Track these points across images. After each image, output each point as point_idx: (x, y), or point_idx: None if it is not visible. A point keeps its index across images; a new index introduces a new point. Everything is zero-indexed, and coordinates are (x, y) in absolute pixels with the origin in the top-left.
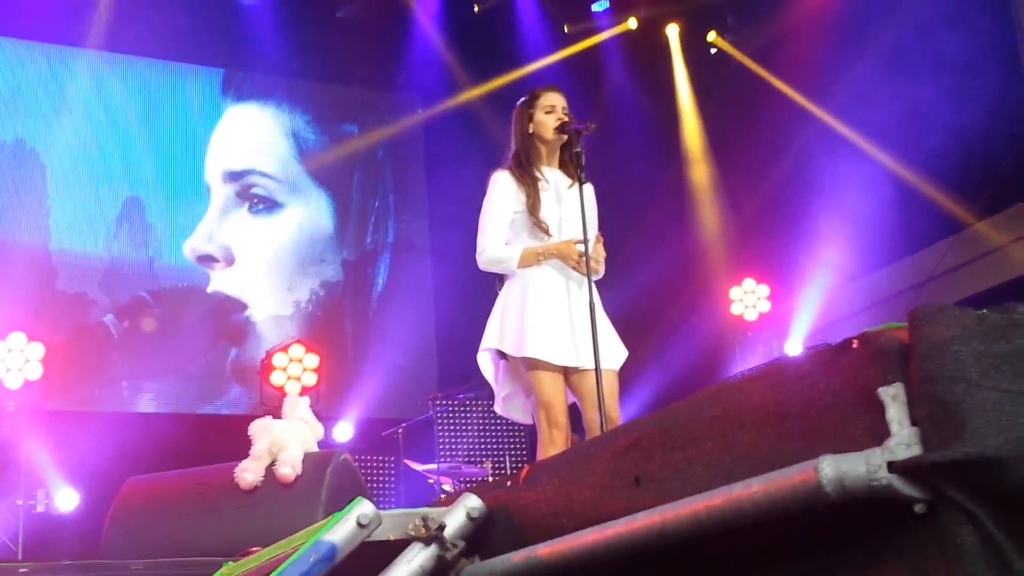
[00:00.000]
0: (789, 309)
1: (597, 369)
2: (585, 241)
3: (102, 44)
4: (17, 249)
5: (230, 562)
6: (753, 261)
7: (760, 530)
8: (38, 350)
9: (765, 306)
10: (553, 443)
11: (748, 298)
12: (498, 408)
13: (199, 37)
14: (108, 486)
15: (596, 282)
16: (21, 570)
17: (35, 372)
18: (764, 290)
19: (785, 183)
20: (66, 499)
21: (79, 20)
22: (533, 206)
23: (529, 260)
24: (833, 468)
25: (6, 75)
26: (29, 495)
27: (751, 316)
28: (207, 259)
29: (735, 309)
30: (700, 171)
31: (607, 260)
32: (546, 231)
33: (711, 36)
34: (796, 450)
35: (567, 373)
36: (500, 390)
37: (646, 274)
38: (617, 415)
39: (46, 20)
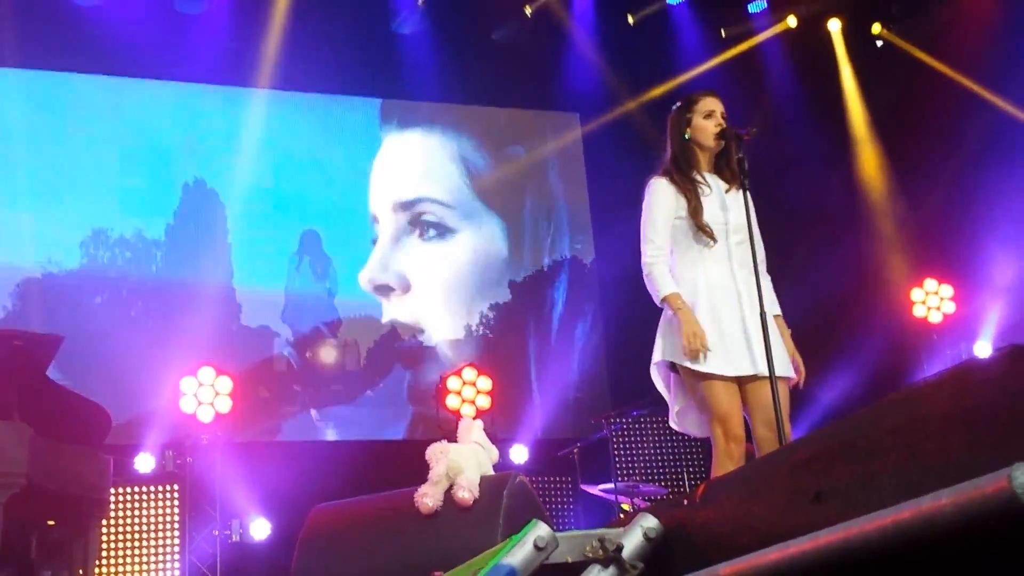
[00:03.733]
0: (975, 310)
1: (772, 380)
2: (752, 243)
3: (269, 83)
4: (203, 287)
5: None
6: (934, 261)
7: (951, 545)
8: (227, 384)
9: (950, 307)
10: (730, 457)
11: (931, 299)
12: (673, 423)
13: (359, 68)
14: (297, 514)
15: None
16: None
17: (225, 405)
18: (948, 290)
19: (963, 177)
20: (259, 528)
21: (248, 62)
22: (695, 210)
23: (672, 303)
24: None
25: (185, 119)
26: (224, 525)
27: (935, 318)
28: (384, 288)
29: (918, 312)
30: (871, 169)
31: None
32: (711, 236)
33: (876, 28)
34: (987, 458)
35: (741, 383)
36: (674, 404)
37: (819, 279)
38: (788, 429)
39: (219, 64)
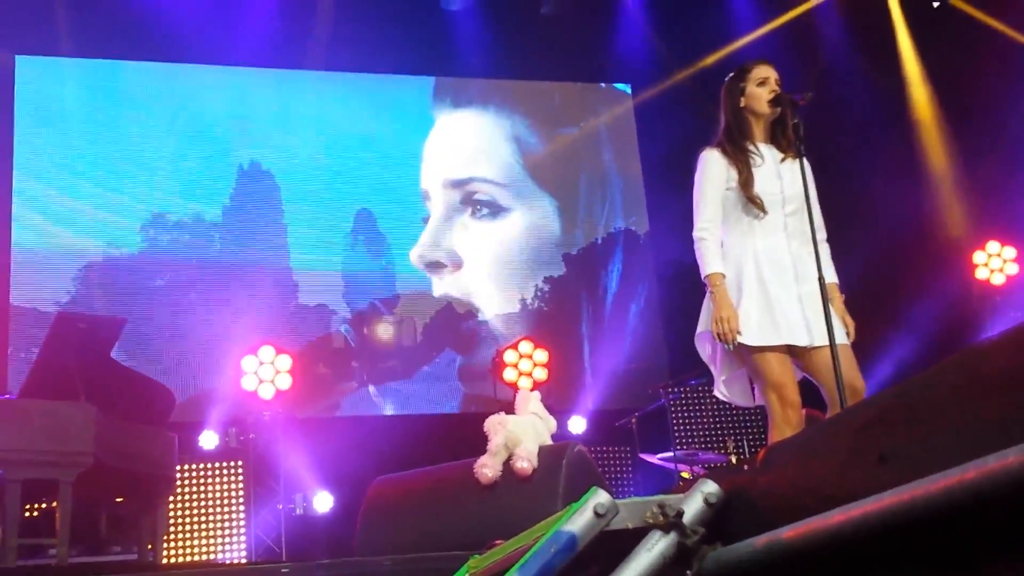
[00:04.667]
0: None
1: (832, 343)
2: (810, 212)
3: (321, 64)
4: (260, 267)
5: (476, 555)
6: (996, 223)
7: (1018, 504)
8: (286, 361)
9: (1013, 269)
10: (788, 423)
11: (994, 262)
12: (718, 392)
13: (409, 47)
14: (359, 487)
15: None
16: (283, 570)
17: (285, 382)
18: (1010, 252)
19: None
20: (322, 501)
21: (298, 44)
22: (746, 182)
23: (712, 281)
24: None
25: (238, 102)
26: (288, 499)
27: (998, 280)
28: (435, 265)
29: (980, 274)
30: (931, 133)
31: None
32: (761, 207)
33: None
34: None
35: (794, 353)
36: (719, 374)
37: (879, 244)
38: (862, 386)
39: (269, 47)
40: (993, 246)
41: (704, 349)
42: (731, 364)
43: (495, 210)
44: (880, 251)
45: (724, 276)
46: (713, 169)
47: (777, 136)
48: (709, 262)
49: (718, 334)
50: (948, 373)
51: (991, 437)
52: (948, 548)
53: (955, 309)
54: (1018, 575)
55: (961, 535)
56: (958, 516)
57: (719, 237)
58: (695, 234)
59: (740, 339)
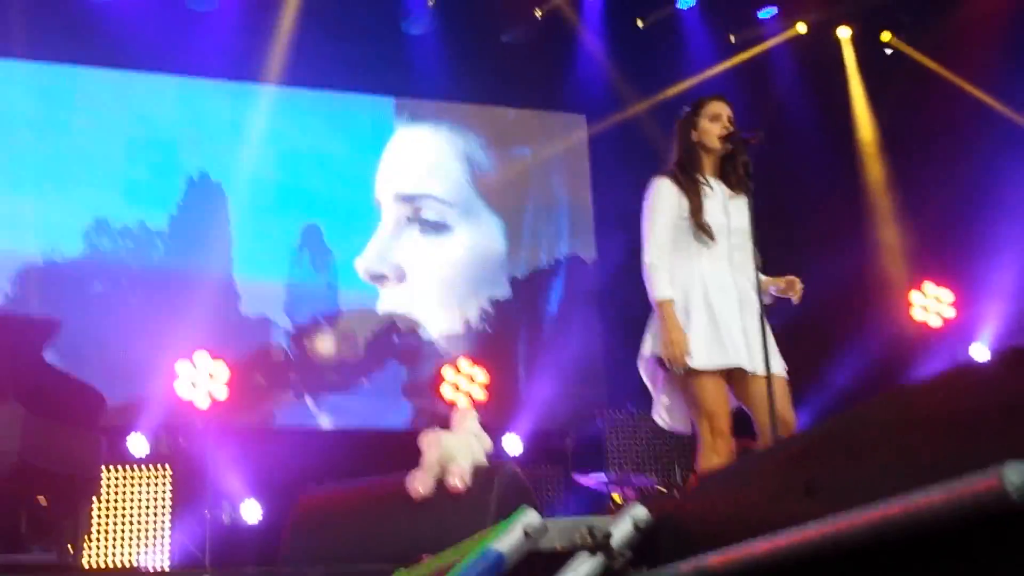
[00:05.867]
0: (975, 315)
1: (768, 371)
2: (755, 246)
3: (277, 79)
4: (203, 276)
5: (402, 568)
6: (934, 265)
7: (940, 542)
8: (221, 368)
9: (949, 312)
10: (717, 452)
11: (931, 303)
12: (657, 418)
13: (368, 67)
14: (289, 498)
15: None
16: None
17: (221, 392)
18: (948, 295)
19: (967, 184)
20: (250, 511)
21: (255, 57)
22: (697, 210)
23: (663, 308)
24: (1020, 475)
25: (189, 112)
26: (215, 507)
27: (935, 322)
28: (379, 277)
29: (917, 315)
30: (876, 174)
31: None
32: (710, 235)
33: (886, 36)
34: (980, 457)
35: (732, 379)
36: (660, 398)
37: (820, 280)
38: (793, 419)
39: (227, 59)
40: (930, 288)
41: (647, 372)
42: (673, 390)
43: (441, 228)
44: (820, 289)
45: (674, 302)
46: (665, 197)
47: (727, 172)
48: (660, 288)
49: (668, 357)
50: (879, 410)
51: (918, 476)
52: None
53: (891, 350)
54: None
55: (884, 569)
56: (881, 550)
57: (669, 264)
58: (645, 260)
59: (688, 362)
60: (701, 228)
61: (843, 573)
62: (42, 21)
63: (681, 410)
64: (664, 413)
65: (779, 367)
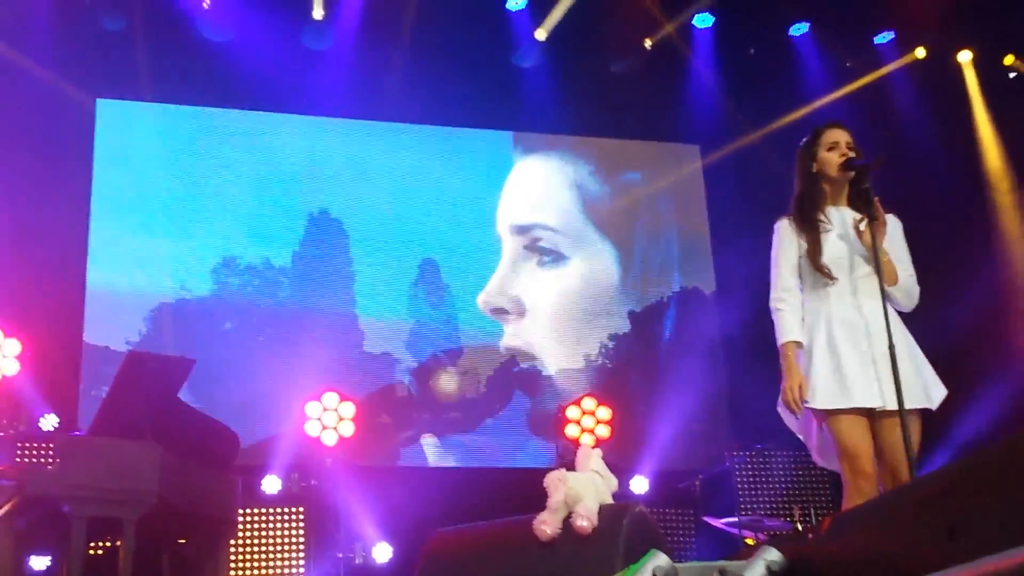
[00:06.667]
0: None
1: (901, 413)
2: (879, 275)
3: (393, 116)
4: (326, 314)
5: None
6: None
7: None
8: (350, 408)
9: None
10: (861, 493)
11: None
12: (816, 458)
13: (480, 101)
14: (419, 538)
15: (905, 317)
16: None
17: (348, 429)
18: None
19: None
20: (382, 552)
21: (373, 95)
22: (813, 252)
23: (784, 351)
24: None
25: (308, 150)
26: (348, 548)
27: None
28: (499, 311)
29: None
30: (1005, 200)
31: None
32: (828, 275)
33: (1008, 60)
34: None
35: (870, 417)
36: (809, 441)
37: (955, 310)
38: (903, 465)
39: (343, 97)
40: None
41: (786, 418)
42: (817, 431)
43: (557, 257)
44: (956, 319)
45: (799, 344)
46: (785, 240)
47: (854, 199)
48: (785, 331)
49: (784, 401)
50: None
51: None
52: None
53: None
54: None
55: None
56: None
57: (797, 306)
58: (772, 304)
59: (809, 404)
60: (819, 270)
61: None
62: (166, 64)
63: (830, 449)
64: (816, 453)
65: (915, 400)
